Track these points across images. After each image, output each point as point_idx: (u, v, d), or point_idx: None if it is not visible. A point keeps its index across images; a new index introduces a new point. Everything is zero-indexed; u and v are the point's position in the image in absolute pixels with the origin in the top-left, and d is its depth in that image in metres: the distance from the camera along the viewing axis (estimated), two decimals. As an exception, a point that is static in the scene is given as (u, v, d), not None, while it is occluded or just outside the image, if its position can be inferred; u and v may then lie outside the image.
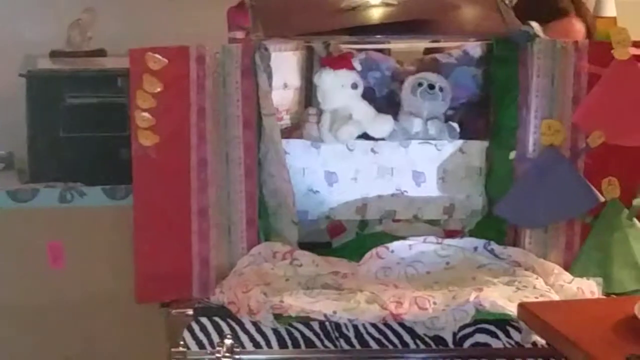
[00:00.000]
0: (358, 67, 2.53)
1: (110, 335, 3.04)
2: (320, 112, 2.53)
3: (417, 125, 2.52)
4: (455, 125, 2.55)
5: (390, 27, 2.39)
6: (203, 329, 2.21)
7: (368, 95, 2.56)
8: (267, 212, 2.41)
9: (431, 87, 2.53)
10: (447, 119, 2.61)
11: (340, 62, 2.50)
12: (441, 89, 2.54)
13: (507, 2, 2.50)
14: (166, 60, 2.29)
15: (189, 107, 2.31)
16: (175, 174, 2.31)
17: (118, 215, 2.86)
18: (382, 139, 2.52)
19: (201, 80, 2.30)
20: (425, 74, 2.57)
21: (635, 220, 2.37)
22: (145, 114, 2.29)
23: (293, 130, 2.62)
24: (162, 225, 2.32)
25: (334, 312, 2.12)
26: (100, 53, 3.47)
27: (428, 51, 2.81)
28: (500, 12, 2.44)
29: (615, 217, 2.36)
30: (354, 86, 2.50)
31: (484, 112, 2.61)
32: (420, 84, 2.53)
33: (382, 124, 2.51)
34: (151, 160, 2.30)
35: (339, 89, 2.49)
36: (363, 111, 2.51)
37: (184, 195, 2.31)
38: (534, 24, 2.35)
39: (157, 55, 2.29)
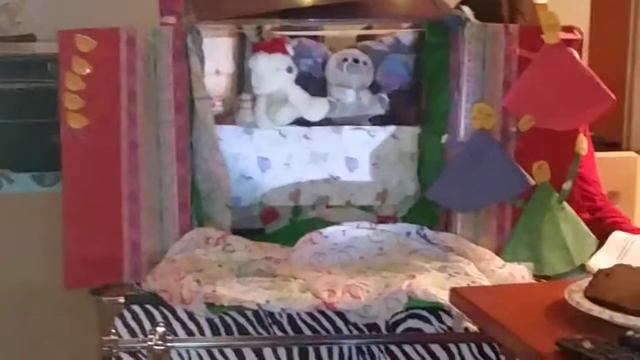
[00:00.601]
0: (291, 52, 2.52)
1: (40, 324, 3.00)
2: (254, 97, 2.52)
3: (350, 95, 2.53)
4: (385, 95, 2.56)
5: (322, 11, 2.39)
6: (135, 316, 2.19)
7: (301, 82, 2.56)
8: (199, 196, 2.39)
9: (355, 60, 2.54)
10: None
11: (275, 46, 2.49)
12: (365, 63, 2.56)
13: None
14: (96, 42, 2.26)
15: (119, 89, 2.28)
16: (105, 157, 2.29)
17: (47, 202, 2.81)
18: (315, 124, 2.52)
19: (131, 63, 2.28)
20: (348, 50, 2.59)
21: (565, 203, 2.40)
22: (75, 96, 2.26)
23: (225, 117, 2.60)
24: (92, 210, 2.30)
25: (267, 302, 2.12)
26: (30, 38, 3.40)
27: (361, 38, 2.81)
28: (432, -4, 2.46)
29: (545, 200, 2.38)
30: (289, 70, 2.50)
31: (416, 99, 2.62)
32: (345, 59, 2.54)
33: (318, 107, 2.51)
34: (81, 144, 2.28)
35: (274, 72, 2.49)
36: (298, 95, 2.50)
37: (114, 179, 2.29)
38: (465, 8, 2.36)
39: (87, 37, 2.26)
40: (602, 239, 2.43)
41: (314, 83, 2.62)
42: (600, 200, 2.53)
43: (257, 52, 2.50)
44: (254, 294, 2.14)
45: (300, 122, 2.54)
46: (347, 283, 2.17)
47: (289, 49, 2.51)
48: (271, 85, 2.49)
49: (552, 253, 2.37)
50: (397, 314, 2.16)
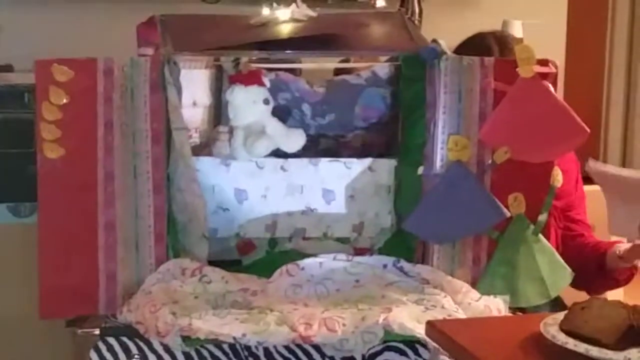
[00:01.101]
0: (267, 84, 2.53)
1: (17, 355, 2.98)
2: (231, 129, 2.52)
3: None
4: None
5: (299, 43, 2.40)
6: (110, 348, 2.18)
7: (278, 115, 2.56)
8: (175, 228, 2.38)
9: None
10: (358, 138, 2.63)
11: (251, 78, 2.50)
12: None
13: (414, 20, 2.53)
14: (73, 72, 2.26)
15: (95, 119, 2.28)
16: (81, 187, 2.28)
17: (23, 234, 2.81)
18: (293, 156, 2.52)
19: (109, 93, 2.28)
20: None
21: (540, 235, 2.41)
22: (51, 126, 2.25)
23: (202, 149, 2.60)
24: (68, 240, 2.28)
25: (243, 335, 2.10)
26: (7, 68, 3.41)
27: (338, 72, 2.82)
28: (408, 29, 2.47)
29: (521, 232, 2.39)
30: (266, 102, 2.50)
31: (393, 131, 2.63)
32: None
33: (295, 139, 2.52)
34: (57, 173, 2.27)
35: (251, 104, 2.49)
36: (275, 126, 2.51)
37: (91, 209, 2.28)
38: (441, 42, 2.37)
39: (64, 67, 2.26)
40: None
41: (291, 116, 2.63)
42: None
43: (234, 84, 2.50)
44: (230, 327, 2.12)
45: (278, 154, 2.54)
46: (324, 316, 2.16)
47: (266, 81, 2.52)
48: (248, 117, 2.49)
49: (527, 285, 2.37)
50: (373, 346, 2.16)
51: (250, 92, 2.49)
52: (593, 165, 2.27)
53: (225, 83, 2.66)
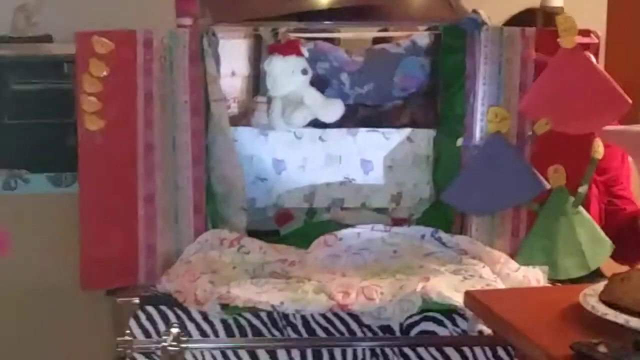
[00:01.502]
0: (306, 54, 2.52)
1: (56, 324, 3.01)
2: (269, 100, 2.52)
3: None
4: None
5: (338, 13, 2.39)
6: (149, 317, 2.19)
7: (317, 84, 2.56)
8: (214, 199, 2.39)
9: None
10: (397, 108, 2.62)
11: (289, 48, 2.49)
12: None
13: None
14: (113, 44, 2.26)
15: (135, 91, 2.28)
16: (121, 159, 2.29)
17: (63, 203, 2.83)
18: (331, 126, 2.52)
19: (148, 65, 2.28)
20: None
21: (580, 207, 2.39)
22: (92, 98, 2.27)
23: (240, 119, 2.61)
24: (108, 212, 2.30)
25: (281, 303, 2.12)
26: (46, 39, 3.42)
27: (377, 41, 2.81)
28: (449, -1, 2.45)
29: (561, 204, 2.37)
30: (304, 72, 2.50)
31: (432, 101, 2.62)
32: None
33: (334, 109, 2.52)
34: (97, 145, 2.28)
35: (289, 75, 2.49)
36: (313, 96, 2.51)
37: (131, 181, 2.29)
38: (481, 12, 2.35)
39: (104, 39, 2.26)
40: None
41: (330, 86, 2.63)
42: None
43: (272, 54, 2.50)
44: (268, 295, 2.14)
45: (316, 124, 2.54)
46: (361, 285, 2.17)
47: (304, 50, 2.52)
48: (286, 88, 2.49)
49: (567, 257, 2.36)
50: (411, 316, 2.16)
51: (288, 62, 2.48)
52: (610, 130, 2.25)
53: (264, 53, 2.66)
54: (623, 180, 2.73)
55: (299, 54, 2.50)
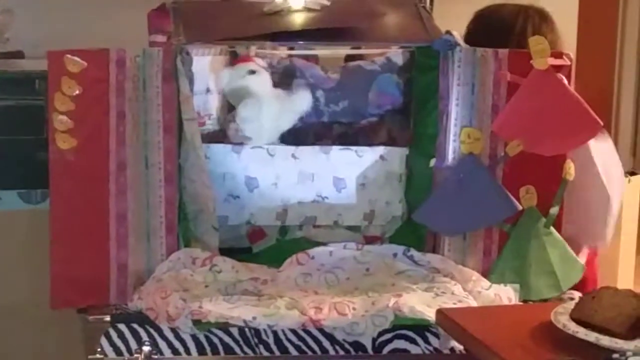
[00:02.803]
0: (260, 62, 2.54)
1: (26, 342, 2.99)
2: (234, 112, 2.52)
3: None
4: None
5: (313, 33, 2.39)
6: (120, 335, 2.19)
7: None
8: (187, 217, 2.39)
9: None
10: (372, 126, 2.63)
11: (237, 61, 2.55)
12: None
13: (426, 6, 2.52)
14: (85, 63, 2.26)
15: (108, 110, 2.28)
16: (93, 178, 2.28)
17: (34, 220, 2.81)
18: (304, 144, 2.52)
19: (121, 83, 2.28)
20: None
21: (552, 228, 2.40)
22: (64, 117, 2.26)
23: (215, 136, 2.60)
24: (80, 230, 2.29)
25: (254, 318, 2.12)
26: (18, 55, 3.41)
27: (350, 58, 2.81)
28: (422, 19, 2.46)
29: (532, 225, 2.39)
30: (251, 72, 2.52)
31: (407, 119, 2.63)
32: None
33: (300, 98, 2.55)
34: (69, 164, 2.27)
35: (238, 79, 2.52)
36: (261, 86, 2.53)
37: (102, 199, 2.29)
38: (455, 33, 2.36)
39: (76, 58, 2.25)
40: None
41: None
42: None
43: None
44: (240, 310, 2.14)
45: (288, 141, 2.54)
46: (334, 301, 2.18)
47: (258, 60, 2.56)
48: (237, 90, 2.53)
49: (539, 278, 2.38)
50: (383, 333, 2.17)
51: (236, 70, 2.53)
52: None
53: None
54: None
55: (247, 60, 2.53)
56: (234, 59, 2.61)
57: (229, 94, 2.56)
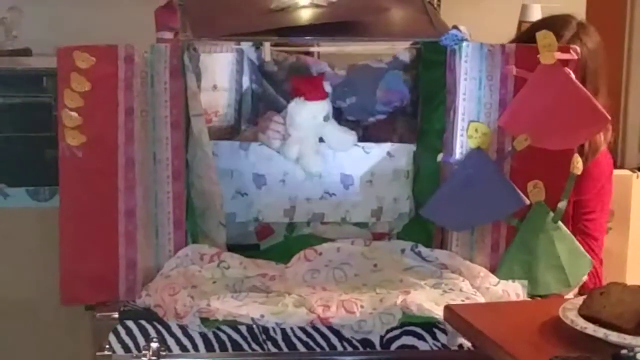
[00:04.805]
0: (329, 89, 2.54)
1: (34, 339, 3.00)
2: (286, 129, 2.51)
3: None
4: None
5: (319, 29, 2.39)
6: (129, 332, 2.19)
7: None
8: (194, 213, 2.39)
9: None
10: (379, 123, 2.62)
11: (314, 92, 2.50)
12: None
13: (434, 4, 2.52)
14: (94, 59, 2.26)
15: (116, 106, 2.28)
16: (102, 174, 2.28)
17: (42, 217, 2.82)
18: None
19: (129, 80, 2.28)
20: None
21: (560, 223, 2.40)
22: (73, 113, 2.26)
23: (223, 132, 2.61)
24: (88, 227, 2.29)
25: (262, 316, 2.12)
26: (26, 52, 3.42)
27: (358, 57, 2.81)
28: (429, 14, 2.46)
29: (540, 219, 2.38)
30: (326, 118, 2.51)
31: (414, 116, 2.63)
32: None
33: (345, 141, 2.53)
34: (78, 160, 2.27)
35: (310, 119, 2.50)
36: (331, 134, 2.52)
37: (111, 196, 2.29)
38: (462, 27, 2.36)
39: (85, 54, 2.25)
40: None
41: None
42: None
43: (297, 96, 2.50)
44: (248, 308, 2.14)
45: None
46: (342, 298, 2.18)
47: (327, 86, 2.54)
48: (306, 132, 2.50)
49: (547, 272, 2.37)
50: (391, 330, 2.17)
51: (311, 109, 2.49)
52: None
53: (246, 66, 2.66)
54: (595, 207, 2.72)
55: (323, 97, 2.51)
56: (300, 77, 2.58)
57: (292, 124, 2.50)
